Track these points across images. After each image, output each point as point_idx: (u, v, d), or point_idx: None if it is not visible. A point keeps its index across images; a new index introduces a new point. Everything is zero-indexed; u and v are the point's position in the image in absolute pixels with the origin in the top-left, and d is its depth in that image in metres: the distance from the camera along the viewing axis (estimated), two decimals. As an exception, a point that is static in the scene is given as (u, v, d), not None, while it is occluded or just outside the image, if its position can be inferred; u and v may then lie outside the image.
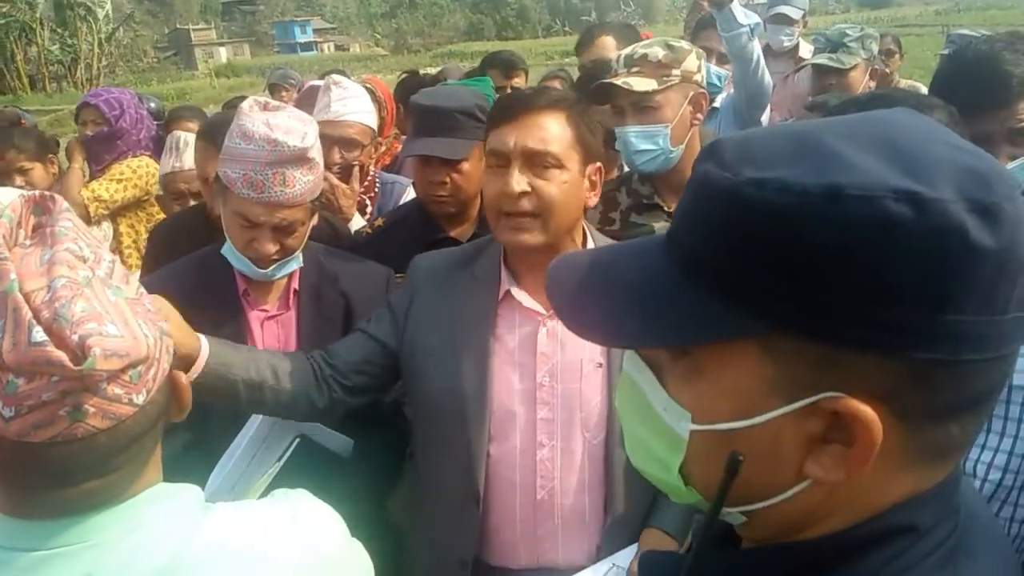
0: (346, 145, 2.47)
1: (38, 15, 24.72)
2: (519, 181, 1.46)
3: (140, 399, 0.76)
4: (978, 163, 0.52)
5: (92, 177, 3.42)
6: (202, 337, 1.39)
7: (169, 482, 0.86)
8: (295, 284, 1.80)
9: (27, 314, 0.68)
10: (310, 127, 1.70)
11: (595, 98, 2.12)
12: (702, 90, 2.07)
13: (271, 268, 1.71)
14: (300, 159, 1.65)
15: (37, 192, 0.79)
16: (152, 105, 4.17)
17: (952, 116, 1.42)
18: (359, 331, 1.63)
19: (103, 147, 3.35)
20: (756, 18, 2.84)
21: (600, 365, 1.52)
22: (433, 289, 1.60)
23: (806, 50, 4.14)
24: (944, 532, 0.57)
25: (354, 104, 2.51)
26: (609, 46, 3.09)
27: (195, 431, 1.65)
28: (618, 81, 1.99)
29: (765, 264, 0.53)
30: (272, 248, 1.68)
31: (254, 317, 1.77)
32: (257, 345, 1.74)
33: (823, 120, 0.61)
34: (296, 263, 1.76)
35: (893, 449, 0.54)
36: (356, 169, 2.49)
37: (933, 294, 0.50)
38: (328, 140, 2.46)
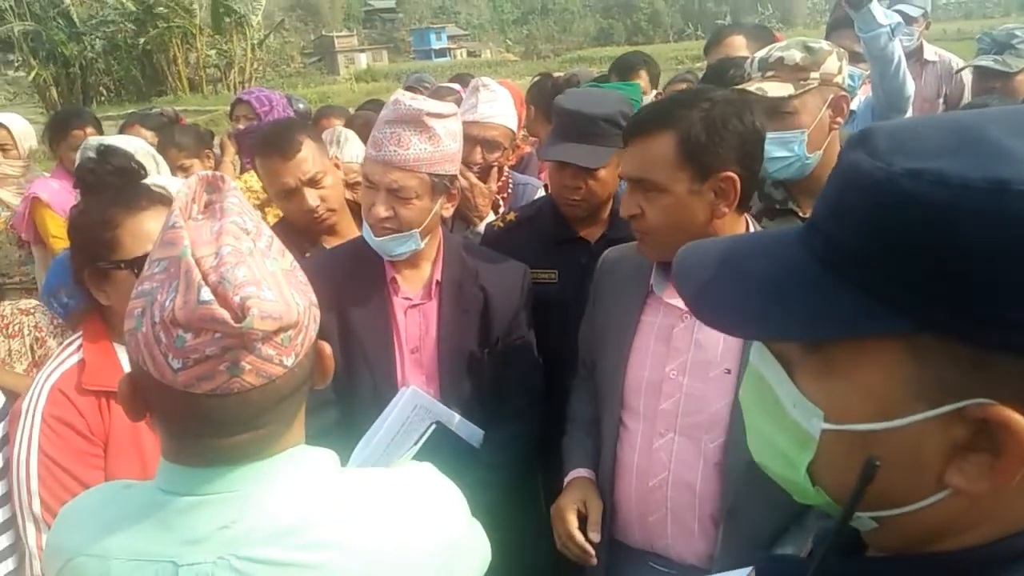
0: (488, 146, 2.55)
1: (197, 22, 26.67)
2: (627, 205, 1.56)
3: (289, 361, 0.82)
4: None
5: (242, 169, 3.67)
6: None
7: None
8: (438, 275, 1.88)
9: (197, 276, 0.76)
10: (445, 107, 1.76)
11: None
12: (844, 93, 1.97)
13: (385, 238, 1.76)
14: (415, 121, 1.70)
15: (210, 172, 0.88)
16: (301, 106, 4.43)
17: None
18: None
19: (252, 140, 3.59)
20: (897, 18, 2.70)
21: (728, 371, 1.52)
22: (609, 281, 1.74)
23: (930, 52, 3.93)
24: None
25: (500, 107, 2.59)
26: (739, 46, 3.01)
27: (343, 410, 1.77)
28: (751, 87, 1.94)
29: (917, 260, 0.50)
30: (383, 211, 1.73)
31: (398, 304, 1.85)
32: (401, 331, 1.84)
33: (983, 111, 0.58)
34: (414, 243, 1.79)
35: None
36: (495, 170, 2.55)
37: None
38: (472, 140, 2.54)
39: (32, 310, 2.02)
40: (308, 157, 2.20)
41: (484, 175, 2.55)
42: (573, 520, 1.56)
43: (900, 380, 0.53)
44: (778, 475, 0.64)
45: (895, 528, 0.58)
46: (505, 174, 2.71)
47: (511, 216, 2.31)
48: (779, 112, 1.94)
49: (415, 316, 1.86)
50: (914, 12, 3.88)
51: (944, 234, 0.49)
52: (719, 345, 1.53)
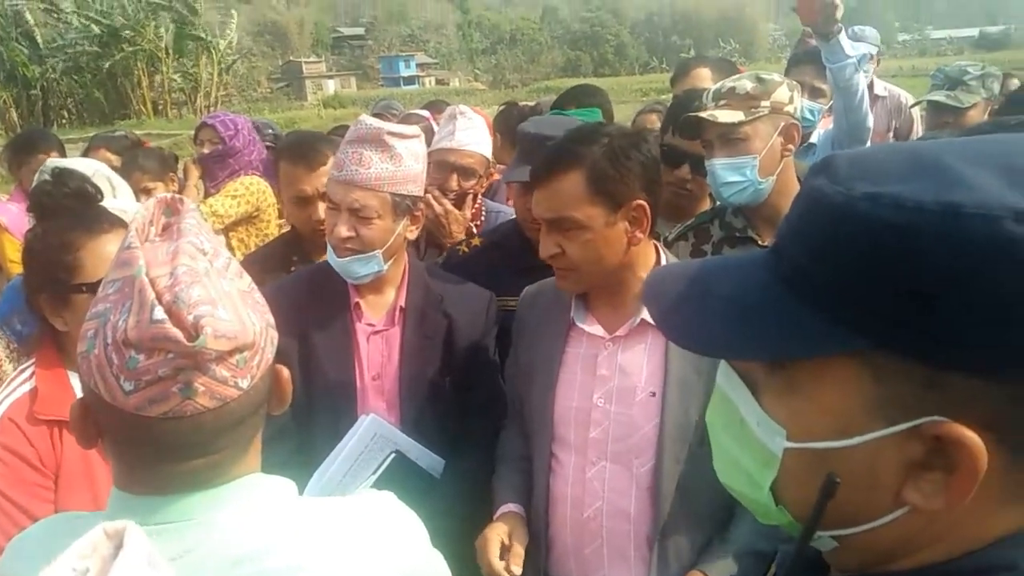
0: (464, 173, 2.56)
1: (163, 45, 26.53)
2: (546, 246, 1.58)
3: (244, 383, 0.81)
4: None
5: (206, 194, 3.63)
6: None
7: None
8: (402, 301, 1.86)
9: (151, 295, 0.75)
10: (407, 128, 1.78)
11: (685, 132, 2.15)
12: (795, 121, 2.04)
13: (348, 259, 1.75)
14: (376, 140, 1.71)
15: (169, 195, 0.87)
16: (271, 131, 4.40)
17: None
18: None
19: (217, 164, 3.57)
20: (863, 50, 2.78)
21: (653, 394, 1.55)
22: (532, 315, 1.75)
23: (880, 87, 4.05)
24: None
25: (476, 134, 2.61)
26: (705, 78, 3.07)
27: (302, 437, 1.74)
28: (704, 114, 2.00)
29: (874, 281, 0.52)
30: (344, 231, 1.72)
31: (361, 330, 1.83)
32: (363, 357, 1.82)
33: (941, 140, 0.60)
34: (377, 265, 1.78)
35: (996, 481, 0.52)
36: (469, 197, 2.56)
37: None
38: (448, 167, 2.56)
39: None
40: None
41: (459, 202, 2.56)
42: (495, 551, 1.54)
43: (858, 399, 0.54)
44: (742, 495, 0.65)
45: (854, 547, 0.59)
46: (478, 202, 2.73)
47: (476, 241, 2.31)
48: (730, 139, 2.00)
49: (377, 342, 1.84)
50: (867, 50, 4.02)
51: (901, 256, 0.50)
52: (643, 369, 1.56)
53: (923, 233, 0.50)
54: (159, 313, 0.75)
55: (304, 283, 1.87)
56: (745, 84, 2.01)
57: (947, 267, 0.49)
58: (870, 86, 4.08)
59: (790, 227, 0.59)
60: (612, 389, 1.57)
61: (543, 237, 1.58)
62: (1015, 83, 4.43)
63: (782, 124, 2.01)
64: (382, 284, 1.86)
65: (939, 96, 3.12)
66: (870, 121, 2.98)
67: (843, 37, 2.67)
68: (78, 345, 0.81)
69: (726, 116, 1.98)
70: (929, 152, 0.55)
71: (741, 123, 1.98)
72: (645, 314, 1.56)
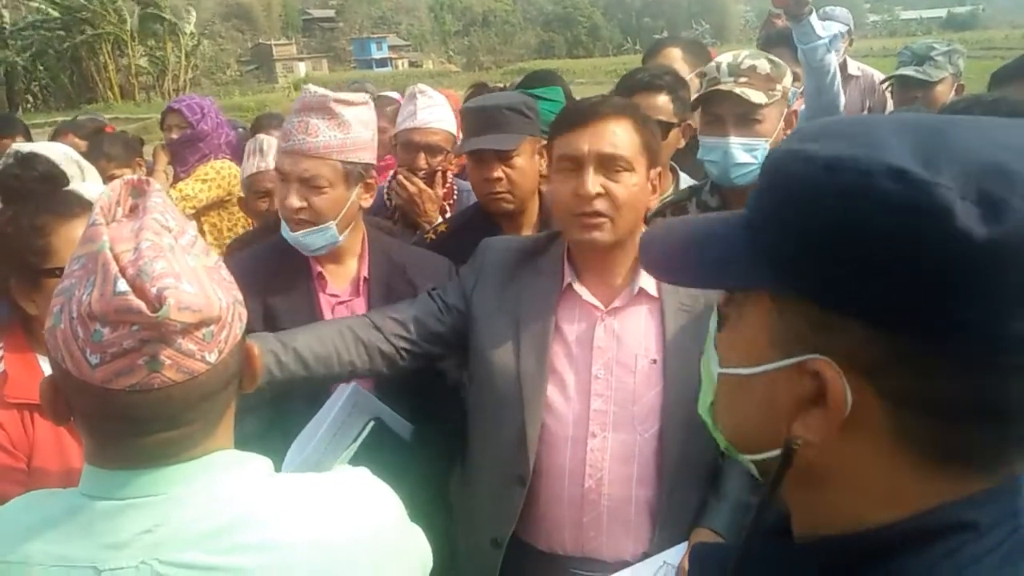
0: (431, 151, 2.60)
1: (128, 28, 25.98)
2: (594, 183, 1.53)
3: (212, 357, 0.82)
4: (1015, 163, 0.52)
5: (176, 179, 3.60)
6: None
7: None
8: (364, 272, 1.87)
9: (114, 269, 0.77)
10: (354, 96, 1.77)
11: (694, 105, 2.15)
12: (793, 109, 2.06)
13: (301, 232, 1.74)
14: (322, 108, 1.70)
15: (135, 176, 0.88)
16: (240, 130, 4.33)
17: None
18: (427, 294, 1.71)
19: (187, 149, 3.55)
20: (835, 29, 2.82)
21: (655, 362, 1.56)
22: (499, 273, 1.68)
23: (853, 67, 4.10)
24: (1004, 532, 0.56)
25: (438, 112, 2.64)
26: (676, 58, 3.10)
27: (274, 411, 1.74)
28: (736, 90, 1.96)
29: (777, 223, 0.57)
30: (296, 201, 1.71)
31: (325, 301, 1.84)
32: None
33: (896, 115, 0.65)
34: (332, 236, 1.77)
35: (887, 433, 0.56)
36: (439, 175, 2.58)
37: (911, 272, 0.51)
38: (414, 146, 2.59)
39: None
40: None
41: (430, 180, 2.59)
42: None
43: (766, 332, 0.60)
44: (704, 422, 0.71)
45: (800, 507, 0.64)
46: (449, 180, 2.75)
47: (442, 227, 2.35)
48: (748, 119, 1.98)
49: (343, 313, 1.85)
50: (839, 29, 4.05)
51: (794, 202, 0.56)
52: (641, 338, 1.57)
53: (806, 183, 0.55)
54: (122, 285, 0.76)
55: (265, 257, 1.87)
56: (764, 64, 1.99)
57: (825, 215, 0.54)
58: (843, 66, 4.11)
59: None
60: (611, 360, 1.57)
61: (587, 175, 1.53)
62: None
63: (785, 111, 2.03)
64: (342, 255, 1.86)
65: (908, 71, 3.16)
66: (841, 101, 3.01)
67: (814, 18, 2.70)
68: (46, 321, 0.82)
69: (755, 95, 1.95)
70: (874, 120, 0.59)
71: (763, 104, 1.96)
72: (642, 282, 1.58)
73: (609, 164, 1.53)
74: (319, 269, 1.84)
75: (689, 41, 3.63)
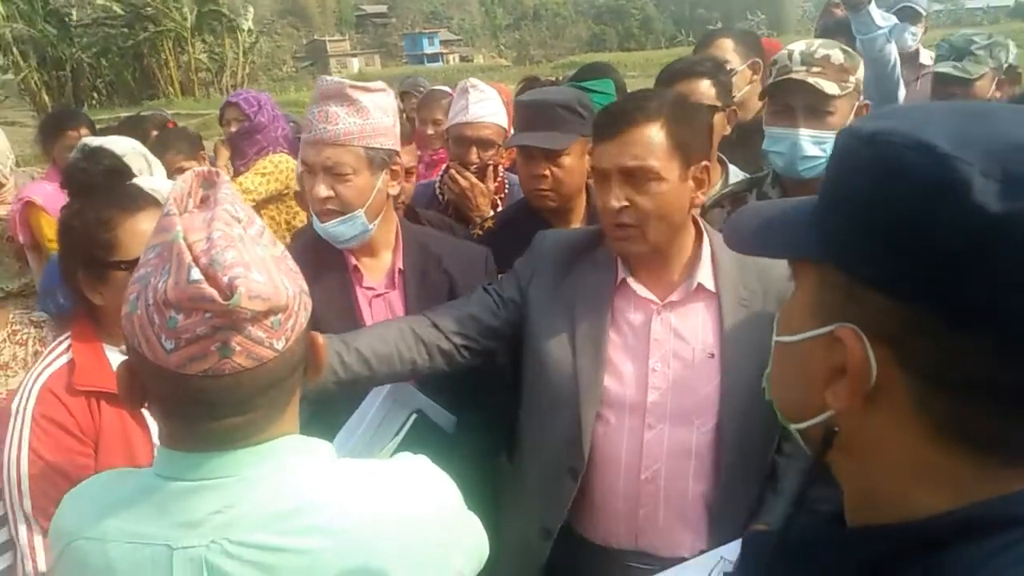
0: (482, 145, 2.61)
1: (189, 25, 26.63)
2: (617, 197, 1.53)
3: (279, 345, 0.85)
4: None
5: (236, 173, 3.69)
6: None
7: None
8: (399, 263, 1.87)
9: (188, 258, 0.79)
10: (371, 83, 1.77)
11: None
12: (866, 103, 1.99)
13: (331, 223, 1.74)
14: (339, 95, 1.69)
15: (206, 168, 0.91)
16: (295, 124, 4.42)
17: None
18: (483, 288, 1.72)
19: (245, 141, 3.62)
20: (894, 20, 2.74)
21: (712, 355, 1.55)
22: (555, 266, 1.67)
23: (926, 56, 3.93)
24: None
25: (489, 106, 2.64)
26: (728, 48, 3.05)
27: (317, 403, 1.77)
28: (809, 79, 1.90)
29: (823, 191, 0.60)
30: (323, 191, 1.71)
31: (362, 294, 1.84)
32: (366, 321, 1.82)
33: (975, 102, 0.67)
34: (362, 225, 1.76)
35: (910, 407, 0.56)
36: (491, 169, 2.60)
37: (927, 244, 0.52)
38: (466, 141, 2.60)
39: (42, 323, 2.04)
40: None
41: (481, 174, 2.60)
42: None
43: (807, 302, 0.63)
44: (761, 404, 0.75)
45: (847, 488, 0.65)
46: (501, 174, 2.76)
47: (489, 223, 2.35)
48: (820, 110, 1.91)
49: (380, 305, 1.86)
50: (922, 9, 3.84)
51: (841, 174, 0.59)
52: (699, 332, 1.57)
53: (846, 154, 0.58)
54: (196, 274, 0.79)
55: (301, 250, 1.88)
56: (837, 54, 1.92)
57: (859, 184, 0.56)
58: (915, 55, 3.99)
59: None
60: (668, 353, 1.57)
61: (611, 190, 1.53)
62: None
63: (856, 104, 1.96)
64: (376, 247, 1.86)
65: (946, 67, 3.03)
66: (901, 92, 2.94)
67: (873, 7, 2.63)
68: (122, 308, 0.86)
69: (829, 86, 1.89)
70: (936, 106, 0.60)
71: (836, 96, 1.90)
72: (700, 278, 1.57)
73: (634, 176, 1.52)
74: (354, 263, 1.85)
75: (741, 31, 3.57)
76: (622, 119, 1.54)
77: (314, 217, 1.80)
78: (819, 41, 1.99)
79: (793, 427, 0.66)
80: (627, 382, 1.58)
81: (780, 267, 1.33)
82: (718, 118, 2.30)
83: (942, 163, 0.52)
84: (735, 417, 1.52)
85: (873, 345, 0.56)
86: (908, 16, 3.87)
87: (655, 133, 1.51)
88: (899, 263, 0.54)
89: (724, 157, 2.45)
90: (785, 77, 1.94)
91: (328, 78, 1.74)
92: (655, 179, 1.51)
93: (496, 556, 1.67)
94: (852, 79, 1.92)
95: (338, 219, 1.74)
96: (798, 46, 1.98)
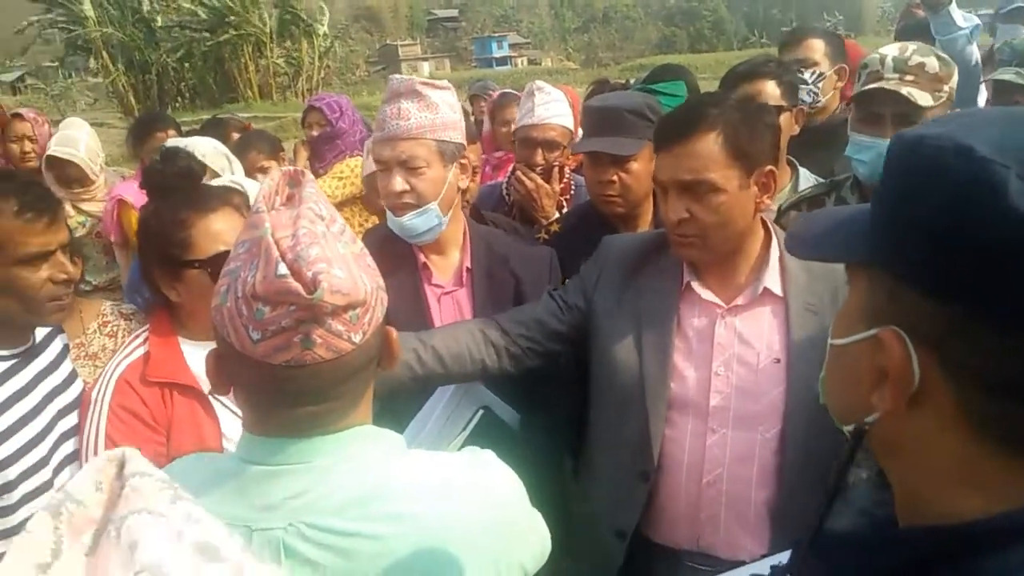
0: (548, 146, 2.63)
1: (268, 30, 27.43)
2: (676, 209, 1.53)
3: (357, 338, 0.89)
4: None
5: (315, 175, 3.80)
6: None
7: None
8: (467, 262, 1.90)
9: (275, 253, 0.84)
10: (439, 81, 1.82)
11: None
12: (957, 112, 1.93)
13: (407, 216, 1.78)
14: (411, 91, 1.75)
15: (292, 168, 0.95)
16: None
17: None
18: (548, 294, 1.75)
19: (325, 146, 3.73)
20: (975, 20, 2.64)
21: (778, 361, 1.53)
22: (620, 271, 1.69)
23: None
24: None
25: (555, 108, 2.66)
26: (817, 49, 2.95)
27: (384, 399, 1.82)
28: (903, 90, 1.83)
29: (875, 198, 0.62)
30: (399, 184, 1.75)
31: (431, 292, 1.88)
32: (435, 319, 1.85)
33: None
34: (435, 217, 1.80)
35: (952, 409, 0.57)
36: (556, 170, 2.62)
37: (964, 245, 0.53)
38: (532, 143, 2.62)
39: (131, 315, 2.14)
40: None
41: (547, 176, 2.62)
42: None
43: (857, 306, 0.64)
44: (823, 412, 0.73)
45: (896, 489, 0.65)
46: (567, 176, 2.78)
47: (555, 227, 2.36)
48: (910, 121, 1.81)
49: (448, 303, 1.89)
50: (979, 21, 3.72)
51: (888, 177, 0.61)
52: (764, 337, 1.55)
53: (899, 158, 0.59)
54: (283, 269, 0.83)
55: (372, 248, 1.93)
56: (933, 62, 1.84)
57: (902, 187, 0.58)
58: None
59: None
60: (732, 357, 1.56)
61: (670, 202, 1.54)
62: None
63: (948, 113, 1.87)
64: (445, 245, 1.90)
65: (1008, 75, 2.89)
66: (982, 96, 2.84)
67: (953, 7, 2.55)
68: (212, 300, 0.91)
69: (921, 97, 1.81)
70: (990, 111, 0.64)
71: (929, 107, 1.81)
72: (767, 282, 1.56)
73: (692, 188, 1.51)
74: (423, 260, 1.88)
75: (829, 32, 3.48)
76: (678, 130, 1.53)
77: (388, 214, 1.84)
78: (913, 46, 1.91)
79: (845, 428, 0.67)
80: (690, 386, 1.58)
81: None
82: (785, 118, 2.26)
83: (980, 166, 0.53)
84: (800, 423, 1.50)
85: (916, 348, 0.57)
86: (1020, 19, 3.70)
87: (712, 143, 1.49)
88: (940, 264, 0.55)
89: (794, 160, 2.41)
90: (877, 86, 1.87)
91: (399, 76, 1.81)
92: (713, 191, 1.49)
93: (559, 555, 1.69)
94: (946, 88, 1.85)
95: (413, 212, 1.79)
96: (891, 51, 1.90)
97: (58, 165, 3.58)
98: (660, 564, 1.65)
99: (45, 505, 0.55)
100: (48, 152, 3.62)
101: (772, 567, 1.48)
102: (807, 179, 2.35)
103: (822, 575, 0.66)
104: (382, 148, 1.78)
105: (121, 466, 0.59)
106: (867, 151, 1.92)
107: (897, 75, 1.85)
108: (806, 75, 2.64)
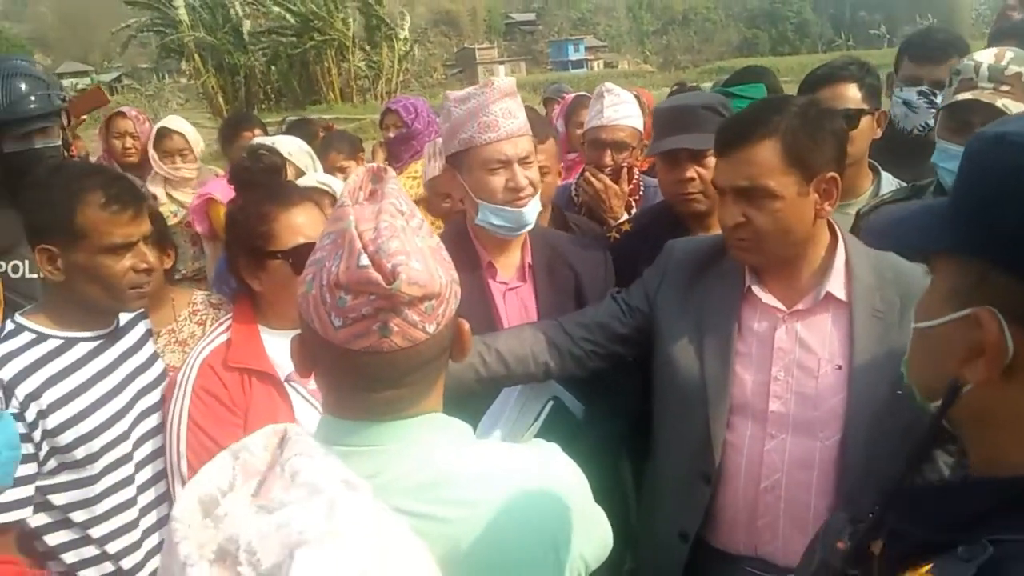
0: (617, 147, 2.64)
1: (351, 34, 28.13)
2: (732, 214, 1.53)
3: (431, 329, 0.93)
4: None
5: (392, 175, 3.91)
6: None
7: None
8: (528, 259, 1.95)
9: (358, 245, 0.89)
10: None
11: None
12: None
13: (528, 207, 1.84)
14: (512, 92, 1.83)
15: (375, 164, 1.01)
16: None
17: None
18: (611, 297, 1.78)
19: (401, 147, 3.84)
20: None
21: (840, 367, 1.51)
22: (683, 275, 1.69)
23: None
24: None
25: (624, 109, 2.67)
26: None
27: (454, 394, 1.86)
28: (998, 102, 1.77)
29: (957, 192, 0.67)
30: (524, 179, 1.82)
31: (496, 288, 1.93)
32: (501, 314, 1.89)
33: None
34: (537, 206, 1.88)
35: None
36: (625, 171, 2.63)
37: None
38: (601, 144, 2.64)
39: (220, 305, 2.24)
40: None
41: (615, 176, 2.63)
42: None
43: (943, 290, 0.69)
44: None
45: (975, 446, 0.71)
46: (636, 176, 2.78)
47: (626, 226, 2.35)
48: None
49: (513, 299, 1.93)
50: None
51: (968, 170, 0.67)
52: (826, 343, 1.53)
53: (973, 151, 0.65)
54: (364, 260, 0.88)
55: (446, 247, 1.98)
56: None
57: (978, 178, 0.64)
58: None
59: None
60: (792, 362, 1.55)
61: (726, 206, 1.55)
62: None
63: None
64: (509, 243, 1.94)
65: None
66: None
67: None
68: (298, 288, 0.96)
69: (1015, 109, 1.74)
70: None
71: None
72: (830, 286, 1.55)
73: (748, 195, 1.51)
74: (488, 259, 1.93)
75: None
76: (736, 136, 1.52)
77: (487, 211, 1.85)
78: (1011, 54, 1.83)
79: (931, 405, 0.72)
80: (749, 390, 1.58)
81: (921, 280, 1.29)
82: (866, 122, 2.21)
83: (1015, 149, 0.60)
84: (862, 432, 1.48)
85: (1009, 324, 0.62)
86: None
87: (769, 150, 1.48)
88: (1010, 245, 0.61)
89: (876, 164, 2.35)
90: (971, 96, 1.81)
91: (499, 79, 1.88)
92: (770, 197, 1.48)
93: (619, 553, 1.70)
94: None
95: (531, 202, 1.85)
96: (986, 57, 1.83)
97: (166, 136, 3.79)
98: (719, 570, 1.64)
99: (228, 448, 0.79)
100: (158, 125, 3.86)
101: None
102: (889, 183, 2.29)
103: (909, 520, 0.71)
104: (503, 147, 1.81)
105: (283, 438, 0.80)
106: (955, 159, 1.84)
107: (992, 85, 1.79)
108: None
